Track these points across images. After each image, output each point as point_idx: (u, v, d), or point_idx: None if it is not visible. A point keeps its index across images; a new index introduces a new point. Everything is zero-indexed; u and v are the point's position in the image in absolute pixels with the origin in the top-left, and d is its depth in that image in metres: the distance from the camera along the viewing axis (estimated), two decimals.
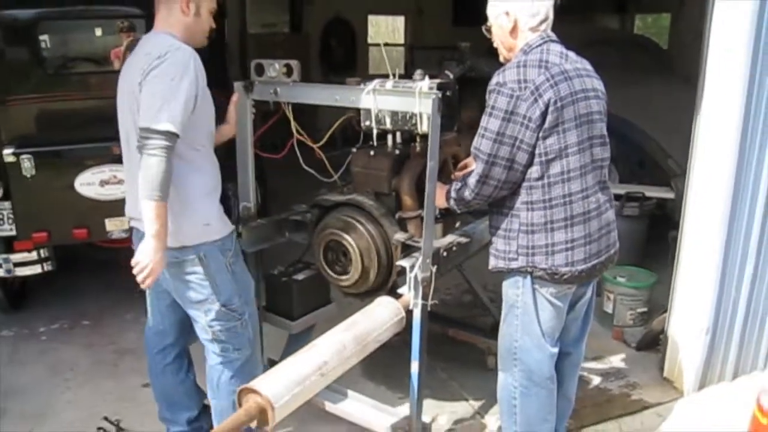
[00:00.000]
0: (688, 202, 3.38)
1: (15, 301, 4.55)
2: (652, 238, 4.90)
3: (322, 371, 2.24)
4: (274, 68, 2.81)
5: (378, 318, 2.54)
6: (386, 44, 11.37)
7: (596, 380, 3.68)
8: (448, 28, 10.80)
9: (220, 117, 3.01)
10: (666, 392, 3.57)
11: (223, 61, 4.67)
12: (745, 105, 3.07)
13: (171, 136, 2.35)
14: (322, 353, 2.28)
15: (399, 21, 11.74)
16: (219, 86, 4.42)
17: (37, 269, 4.02)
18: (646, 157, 5.52)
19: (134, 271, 2.39)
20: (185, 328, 2.85)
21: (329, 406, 2.99)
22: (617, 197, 4.52)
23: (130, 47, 3.82)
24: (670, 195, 4.91)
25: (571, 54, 2.47)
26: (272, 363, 3.04)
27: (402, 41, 11.75)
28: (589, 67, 2.51)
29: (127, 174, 2.70)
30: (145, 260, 2.37)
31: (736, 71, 3.06)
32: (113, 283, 4.77)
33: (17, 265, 3.96)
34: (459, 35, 4.75)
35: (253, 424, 2.09)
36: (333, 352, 2.30)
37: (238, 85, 2.91)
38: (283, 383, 2.11)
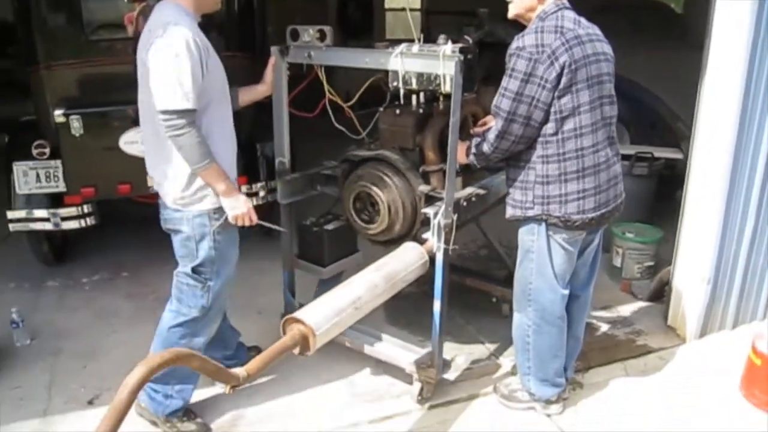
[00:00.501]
0: (693, 159, 3.59)
1: (58, 254, 4.84)
2: (661, 197, 5.09)
3: (357, 305, 2.51)
4: (309, 33, 3.03)
5: (405, 260, 2.82)
6: (404, 9, 11.46)
7: (604, 327, 3.94)
8: None
9: (255, 78, 3.24)
10: (669, 338, 3.81)
11: (251, 26, 4.86)
12: (747, 66, 3.26)
13: (189, 112, 2.55)
14: (356, 289, 2.56)
15: None
16: (248, 50, 4.67)
17: (82, 223, 4.28)
18: (657, 119, 5.71)
19: (239, 224, 2.80)
20: None
21: (359, 345, 3.28)
22: (627, 157, 4.76)
23: (144, 13, 4.06)
24: (678, 155, 5.10)
25: (583, 20, 2.69)
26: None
27: (418, 6, 11.83)
28: (599, 32, 2.72)
29: (144, 138, 2.89)
30: (238, 211, 2.75)
31: (740, 34, 3.24)
32: (149, 238, 5.01)
33: (64, 219, 4.23)
34: (474, 0, 4.91)
35: (296, 350, 2.37)
36: (366, 289, 2.58)
37: (274, 49, 3.13)
38: (324, 314, 2.39)
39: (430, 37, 2.95)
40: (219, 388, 3.29)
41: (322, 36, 3.01)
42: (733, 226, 3.59)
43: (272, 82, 3.19)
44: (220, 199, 2.74)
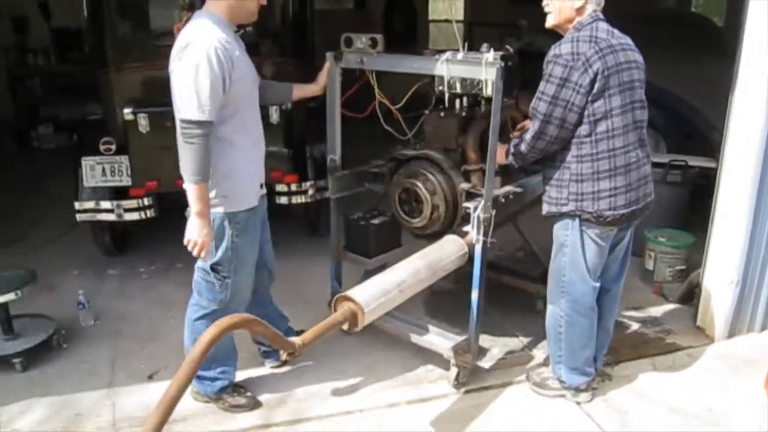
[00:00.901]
0: (723, 164, 3.76)
1: (118, 245, 5.16)
2: (695, 205, 5.20)
3: (401, 288, 2.75)
4: (362, 41, 3.29)
5: (446, 250, 3.05)
6: (447, 21, 11.72)
7: (635, 326, 4.09)
8: (505, 5, 11.03)
9: (305, 82, 3.48)
10: (697, 338, 3.95)
11: (304, 36, 5.14)
12: None
13: (203, 124, 2.67)
14: (401, 274, 2.80)
15: None
16: (300, 57, 4.95)
17: (142, 215, 4.59)
18: (693, 130, 5.82)
19: (188, 248, 2.81)
20: (259, 268, 3.28)
21: (400, 332, 3.51)
22: (662, 165, 4.90)
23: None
24: (713, 164, 5.21)
25: (616, 31, 2.90)
26: None
27: (461, 18, 12.06)
28: (630, 42, 2.92)
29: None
30: (194, 237, 2.78)
31: None
32: None
33: (127, 210, 4.55)
34: (516, 13, 5.10)
35: (345, 326, 2.60)
36: (410, 274, 2.82)
37: (329, 55, 3.39)
38: (371, 294, 2.63)
39: (472, 48, 3.17)
40: (269, 370, 3.57)
41: (374, 43, 3.27)
42: (762, 230, 3.73)
43: (324, 84, 3.44)
44: (189, 218, 2.82)
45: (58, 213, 5.80)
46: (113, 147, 4.46)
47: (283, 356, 2.39)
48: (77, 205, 4.57)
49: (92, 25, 4.66)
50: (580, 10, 2.88)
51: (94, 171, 4.49)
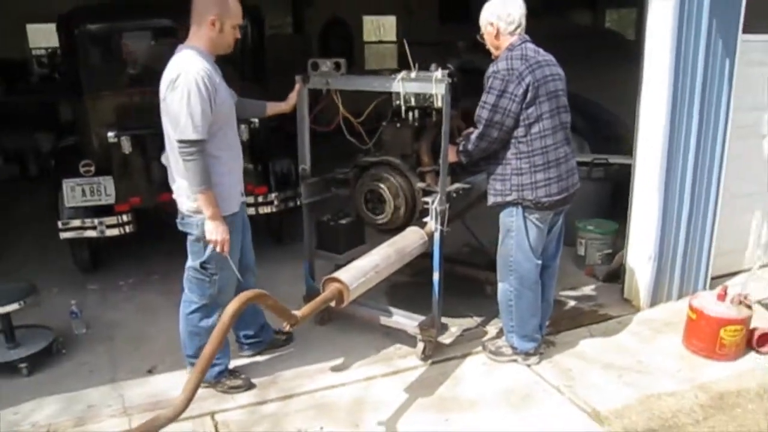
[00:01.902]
0: (636, 158, 4.43)
1: (95, 261, 5.49)
2: (618, 198, 5.86)
3: (377, 270, 3.26)
4: (326, 65, 3.80)
5: (410, 239, 3.59)
6: (380, 42, 12.37)
7: (571, 303, 4.71)
8: (435, 25, 11.73)
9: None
10: (625, 309, 4.60)
11: (262, 61, 5.62)
12: (673, 81, 4.13)
13: (198, 142, 3.09)
14: (375, 259, 3.32)
15: (390, 20, 12.74)
16: (257, 80, 5.43)
17: (122, 230, 4.96)
18: (611, 132, 6.53)
19: (216, 248, 3.24)
20: (246, 274, 3.66)
21: (373, 317, 4.04)
22: (586, 164, 5.56)
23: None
24: (629, 161, 5.89)
25: (541, 50, 3.50)
26: None
27: (393, 38, 12.74)
28: (553, 58, 3.52)
29: (167, 157, 3.38)
30: (214, 237, 3.22)
31: (664, 56, 4.10)
32: (173, 245, 5.67)
33: (108, 227, 4.91)
34: (445, 31, 5.68)
35: (333, 303, 3.09)
36: (382, 258, 3.34)
37: (298, 78, 3.88)
38: (354, 275, 3.14)
39: (407, 66, 3.65)
40: (259, 357, 4.04)
41: (338, 66, 3.78)
42: (671, 212, 4.40)
43: (294, 103, 3.92)
44: (205, 221, 3.21)
45: (23, 239, 6.13)
46: (92, 169, 4.83)
47: (286, 327, 2.84)
48: (60, 224, 4.89)
49: (66, 57, 5.03)
50: (497, 37, 3.47)
51: (74, 192, 4.84)
